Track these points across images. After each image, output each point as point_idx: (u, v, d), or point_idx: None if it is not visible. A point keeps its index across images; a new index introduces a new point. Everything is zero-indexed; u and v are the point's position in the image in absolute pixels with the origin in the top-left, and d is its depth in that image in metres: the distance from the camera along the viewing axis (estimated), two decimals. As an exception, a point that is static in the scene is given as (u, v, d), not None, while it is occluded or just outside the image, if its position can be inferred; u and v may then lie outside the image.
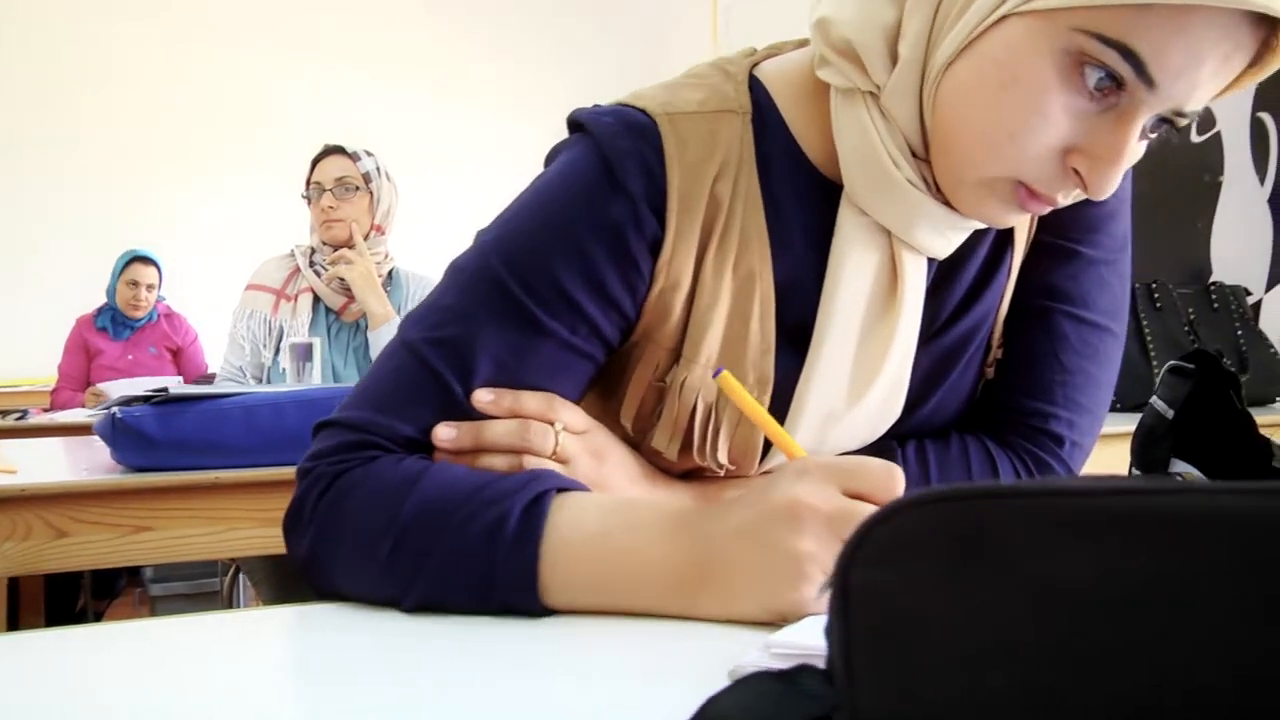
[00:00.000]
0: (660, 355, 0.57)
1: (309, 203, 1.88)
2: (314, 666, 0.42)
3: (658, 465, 0.60)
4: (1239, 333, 1.76)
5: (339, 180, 1.83)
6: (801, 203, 0.57)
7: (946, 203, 0.54)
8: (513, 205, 0.56)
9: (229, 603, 2.18)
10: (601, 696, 0.36)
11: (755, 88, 0.58)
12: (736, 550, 0.44)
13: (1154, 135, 0.49)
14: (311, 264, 1.85)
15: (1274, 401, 1.72)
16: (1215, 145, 2.06)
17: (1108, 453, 1.12)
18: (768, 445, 0.58)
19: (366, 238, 1.85)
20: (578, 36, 4.49)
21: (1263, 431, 0.59)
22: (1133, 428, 0.62)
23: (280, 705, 0.37)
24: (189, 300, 3.33)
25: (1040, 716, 0.20)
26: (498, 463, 0.53)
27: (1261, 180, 1.99)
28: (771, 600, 0.43)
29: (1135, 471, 0.62)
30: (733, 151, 0.55)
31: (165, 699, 0.36)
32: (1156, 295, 1.73)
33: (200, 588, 2.60)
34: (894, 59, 0.51)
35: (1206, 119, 2.07)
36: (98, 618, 2.51)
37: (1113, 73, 0.44)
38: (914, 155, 0.53)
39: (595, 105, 0.57)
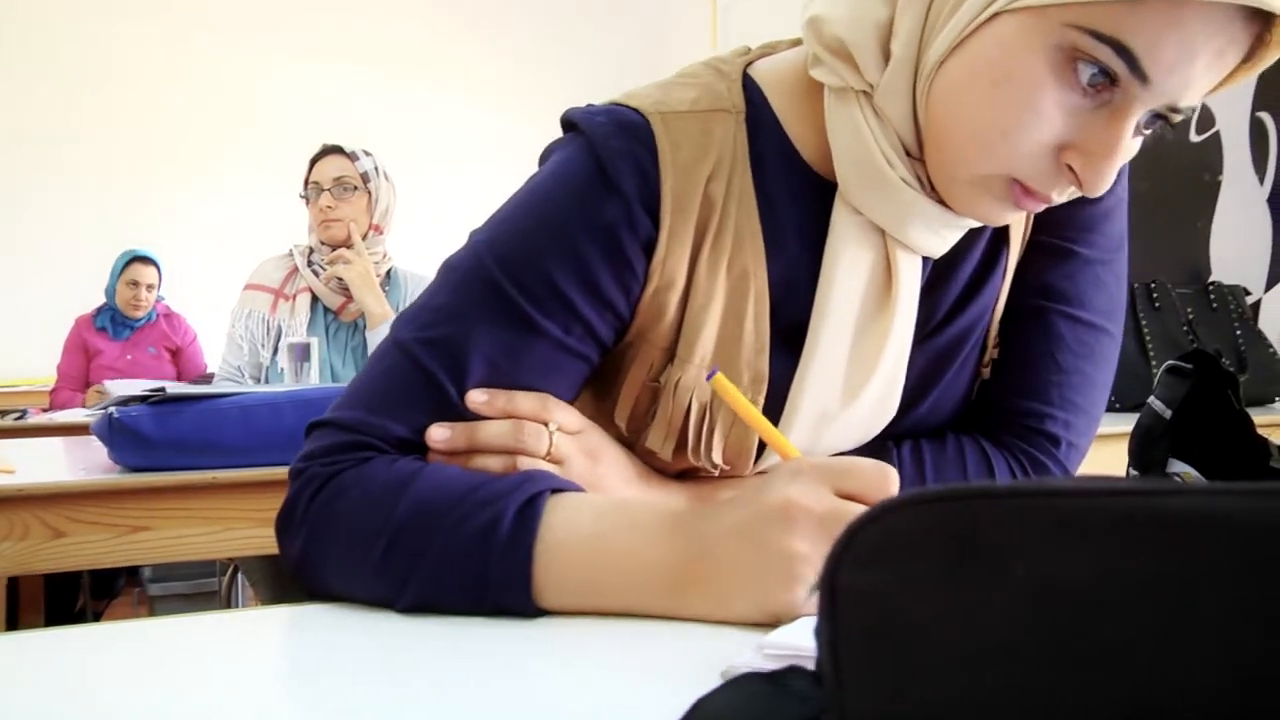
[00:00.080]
0: (654, 355, 0.56)
1: (307, 202, 1.88)
2: (311, 666, 0.42)
3: (652, 465, 0.60)
4: (1238, 333, 1.76)
5: (337, 180, 1.83)
6: (795, 202, 0.57)
7: (941, 201, 0.54)
8: (506, 205, 0.56)
9: (227, 602, 2.18)
10: (595, 697, 0.36)
11: (749, 87, 0.58)
12: (729, 551, 0.44)
13: (1148, 131, 0.49)
14: (310, 264, 1.85)
15: (1273, 401, 1.72)
16: (1214, 144, 2.06)
17: (1106, 453, 1.12)
18: (763, 445, 0.58)
19: (365, 237, 1.85)
20: (578, 36, 4.49)
21: (1261, 432, 0.59)
22: (1131, 428, 0.61)
23: (278, 705, 0.37)
24: (188, 300, 3.33)
25: (1035, 718, 0.20)
26: (492, 463, 0.53)
27: (1261, 180, 1.99)
28: (764, 601, 0.43)
29: (1133, 472, 0.62)
30: (726, 151, 0.55)
31: (163, 699, 0.36)
32: (1155, 295, 1.73)
33: (199, 588, 2.60)
34: (887, 57, 0.51)
35: (1206, 118, 2.07)
36: (97, 617, 2.52)
37: (1106, 68, 0.44)
38: (908, 154, 0.53)
39: (589, 105, 0.57)
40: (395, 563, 0.47)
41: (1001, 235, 0.62)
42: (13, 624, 1.51)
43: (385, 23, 4.27)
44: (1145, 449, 0.61)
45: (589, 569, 0.46)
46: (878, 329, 0.56)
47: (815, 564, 0.42)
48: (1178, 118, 0.47)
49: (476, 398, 0.53)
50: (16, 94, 3.70)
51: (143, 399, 1.10)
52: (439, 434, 0.52)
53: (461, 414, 0.53)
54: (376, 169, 1.87)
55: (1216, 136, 2.06)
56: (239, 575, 2.14)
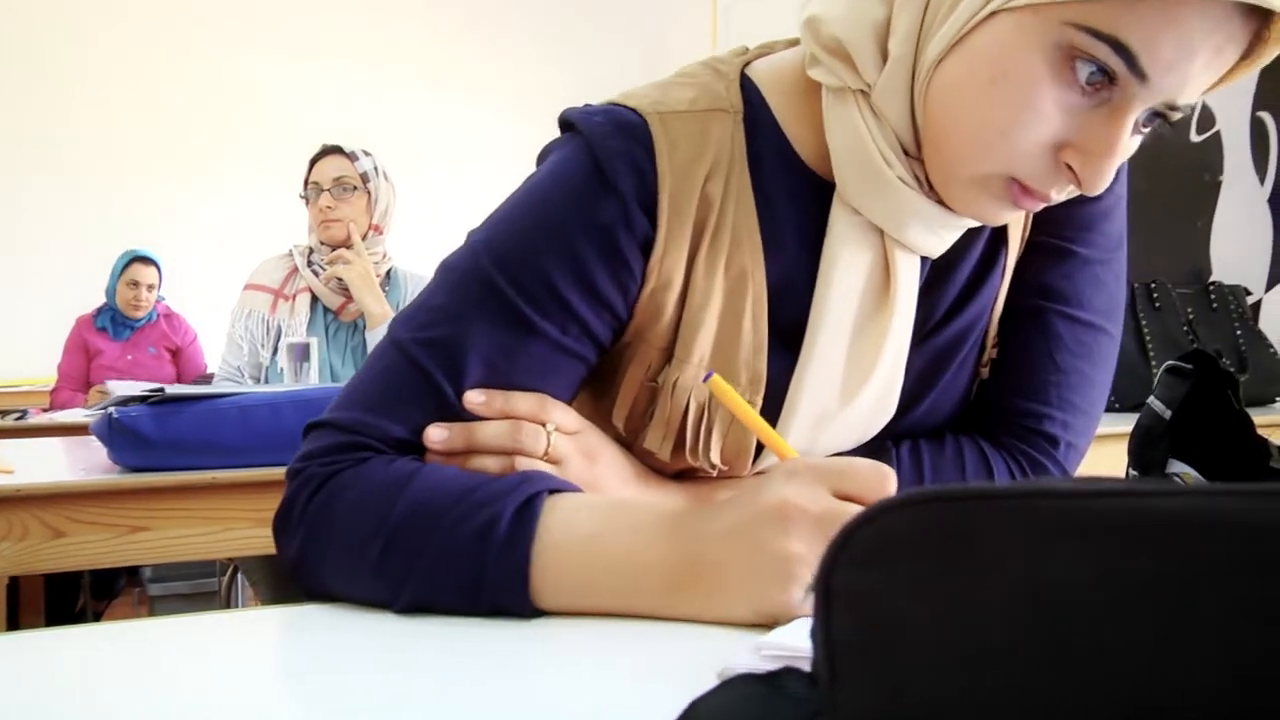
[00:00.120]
0: (652, 355, 0.56)
1: (307, 203, 1.88)
2: (311, 666, 0.42)
3: (650, 466, 0.59)
4: (1238, 333, 1.75)
5: (337, 180, 1.83)
6: (793, 202, 0.57)
7: (940, 201, 0.54)
8: (504, 205, 0.56)
9: (227, 602, 2.18)
10: (593, 697, 0.36)
11: (747, 87, 0.58)
12: (726, 552, 0.44)
13: (1147, 130, 0.49)
14: (309, 264, 1.85)
15: (1273, 402, 1.71)
16: (1215, 144, 2.06)
17: (1106, 453, 1.12)
18: (760, 446, 0.58)
19: (364, 237, 1.85)
20: (578, 36, 4.49)
21: (1262, 432, 0.59)
22: (1131, 428, 0.61)
23: (278, 705, 0.37)
24: (188, 300, 3.33)
25: (1034, 719, 0.20)
26: (489, 464, 0.53)
27: (1261, 180, 1.98)
28: (761, 601, 0.43)
29: (1133, 472, 0.62)
30: (724, 150, 0.55)
31: (163, 698, 0.36)
32: (1156, 295, 1.72)
33: (199, 588, 2.60)
34: (884, 57, 0.51)
35: (1206, 118, 2.07)
36: (97, 617, 2.52)
37: (1104, 67, 0.44)
38: (906, 153, 0.53)
39: (586, 105, 0.57)
40: (392, 563, 0.47)
41: (1000, 235, 0.62)
42: (13, 624, 1.51)
43: (385, 23, 4.27)
44: (1145, 449, 0.61)
45: (586, 569, 0.46)
46: (876, 329, 0.56)
47: (811, 565, 0.42)
48: (1176, 115, 0.47)
49: (474, 398, 0.53)
50: (16, 94, 3.71)
51: (142, 399, 1.11)
52: (436, 434, 0.52)
53: (459, 414, 0.53)
54: (376, 169, 1.87)
55: (1217, 136, 2.05)
56: (239, 575, 2.13)
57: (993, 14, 0.46)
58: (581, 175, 0.53)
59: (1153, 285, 1.73)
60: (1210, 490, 0.20)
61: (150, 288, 3.05)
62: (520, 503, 0.47)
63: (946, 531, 0.22)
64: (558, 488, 0.49)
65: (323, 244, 1.85)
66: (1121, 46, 0.43)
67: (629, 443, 0.59)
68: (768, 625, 0.41)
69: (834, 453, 0.59)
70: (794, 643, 0.36)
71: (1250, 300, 1.90)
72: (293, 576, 0.51)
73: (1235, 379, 0.59)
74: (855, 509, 0.42)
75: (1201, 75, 0.45)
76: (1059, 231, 0.61)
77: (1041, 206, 0.51)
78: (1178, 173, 2.10)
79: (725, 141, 0.55)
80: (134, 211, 3.79)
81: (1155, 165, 2.09)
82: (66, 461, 1.32)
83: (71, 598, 2.35)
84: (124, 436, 1.09)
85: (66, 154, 3.76)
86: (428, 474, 0.49)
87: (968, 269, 0.61)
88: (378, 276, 1.83)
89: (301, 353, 1.58)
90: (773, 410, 0.57)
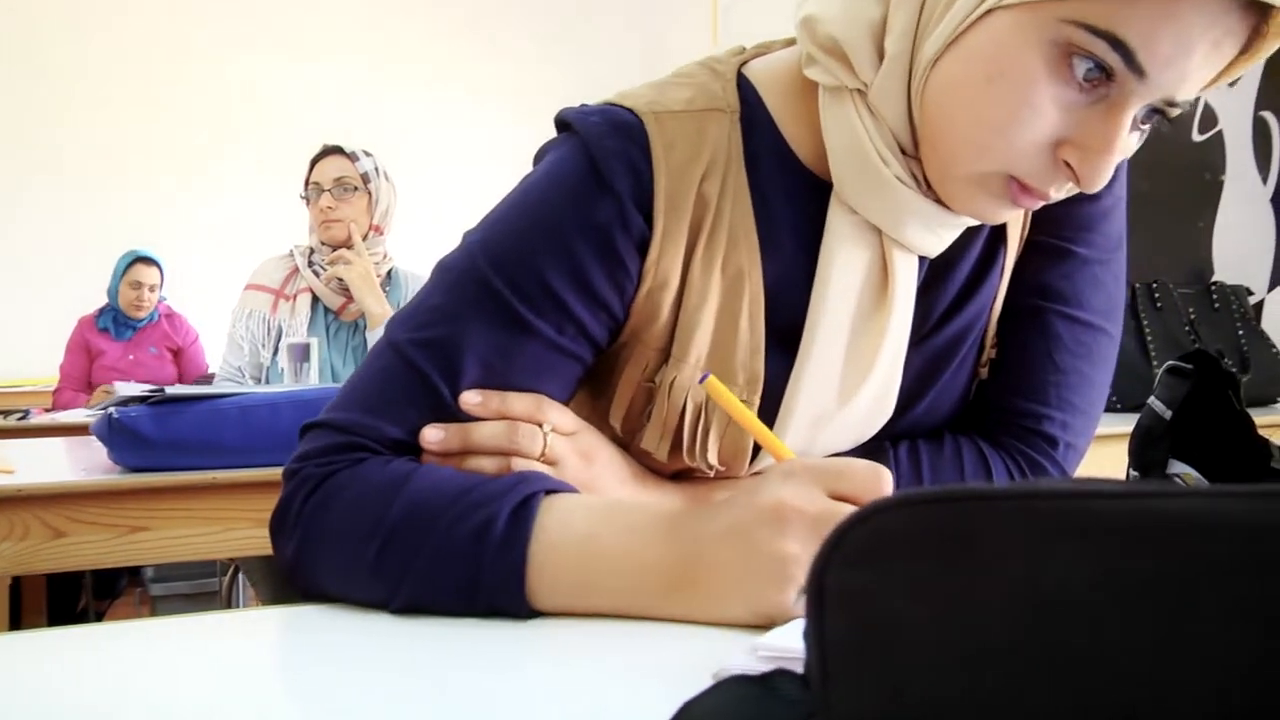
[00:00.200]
0: (649, 355, 0.56)
1: (308, 203, 1.88)
2: (311, 666, 0.42)
3: (648, 466, 0.59)
4: (1240, 333, 1.75)
5: (337, 180, 1.83)
6: (790, 201, 0.56)
7: (938, 200, 0.53)
8: (500, 205, 0.56)
9: (228, 602, 2.19)
10: (590, 697, 0.36)
11: (743, 86, 0.57)
12: (722, 552, 0.44)
13: (1146, 126, 0.48)
14: (310, 264, 1.85)
15: (1276, 402, 1.71)
16: (1217, 144, 2.05)
17: (1106, 453, 1.11)
18: (759, 446, 0.57)
19: (365, 238, 1.85)
20: (578, 36, 4.49)
21: (1265, 432, 0.59)
22: (1132, 428, 0.61)
23: (278, 705, 0.37)
24: (189, 300, 3.33)
25: (1028, 721, 0.20)
26: (486, 465, 0.53)
27: (1264, 179, 1.98)
28: (756, 602, 0.42)
29: (1133, 473, 0.61)
30: (720, 150, 0.55)
31: (164, 698, 0.36)
32: (1157, 295, 1.72)
33: (200, 588, 2.60)
34: (881, 56, 0.51)
35: (1208, 117, 2.06)
36: (99, 617, 2.52)
37: (1101, 63, 0.44)
38: (903, 152, 0.53)
39: (582, 105, 0.57)
40: (389, 564, 0.47)
41: (999, 234, 0.61)
42: (15, 624, 1.51)
43: (385, 23, 4.27)
44: (1145, 449, 0.60)
45: (583, 570, 0.46)
46: (874, 329, 0.56)
47: (807, 565, 0.42)
48: (1175, 112, 0.47)
49: (470, 399, 0.52)
50: (16, 94, 3.71)
51: (142, 399, 1.11)
52: (433, 435, 0.52)
53: (456, 415, 0.53)
54: (377, 169, 1.87)
55: (1219, 136, 2.05)
56: (240, 575, 2.14)
57: (989, 11, 0.46)
58: (577, 175, 0.53)
59: (1154, 285, 1.73)
60: (1210, 491, 0.20)
61: (152, 288, 3.06)
62: (517, 503, 0.47)
63: (941, 532, 0.22)
64: (554, 488, 0.49)
65: (323, 244, 1.85)
66: (1119, 42, 0.43)
67: (626, 443, 0.59)
68: (764, 626, 0.41)
69: (832, 453, 0.59)
70: (790, 644, 0.35)
71: (1252, 300, 1.89)
72: (290, 577, 0.51)
73: (1236, 379, 0.59)
74: (851, 509, 0.42)
75: (1200, 71, 0.44)
76: (1058, 231, 0.61)
77: (1040, 205, 0.51)
78: (1179, 172, 2.10)
79: (722, 141, 0.55)
80: (134, 211, 3.80)
81: (1157, 165, 2.08)
82: (67, 461, 1.32)
83: (73, 598, 2.35)
84: (124, 437, 1.10)
85: (66, 154, 3.76)
86: (424, 475, 0.49)
87: (966, 268, 0.61)
88: (378, 277, 1.83)
89: (302, 353, 1.58)
90: (770, 410, 0.57)
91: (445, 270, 0.55)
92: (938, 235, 0.55)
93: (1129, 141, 0.48)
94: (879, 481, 0.44)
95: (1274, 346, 1.75)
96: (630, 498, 0.57)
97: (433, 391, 0.52)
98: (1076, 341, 0.61)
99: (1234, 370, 0.59)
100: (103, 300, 3.08)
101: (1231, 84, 1.97)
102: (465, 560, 0.46)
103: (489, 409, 0.53)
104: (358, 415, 0.52)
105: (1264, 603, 0.19)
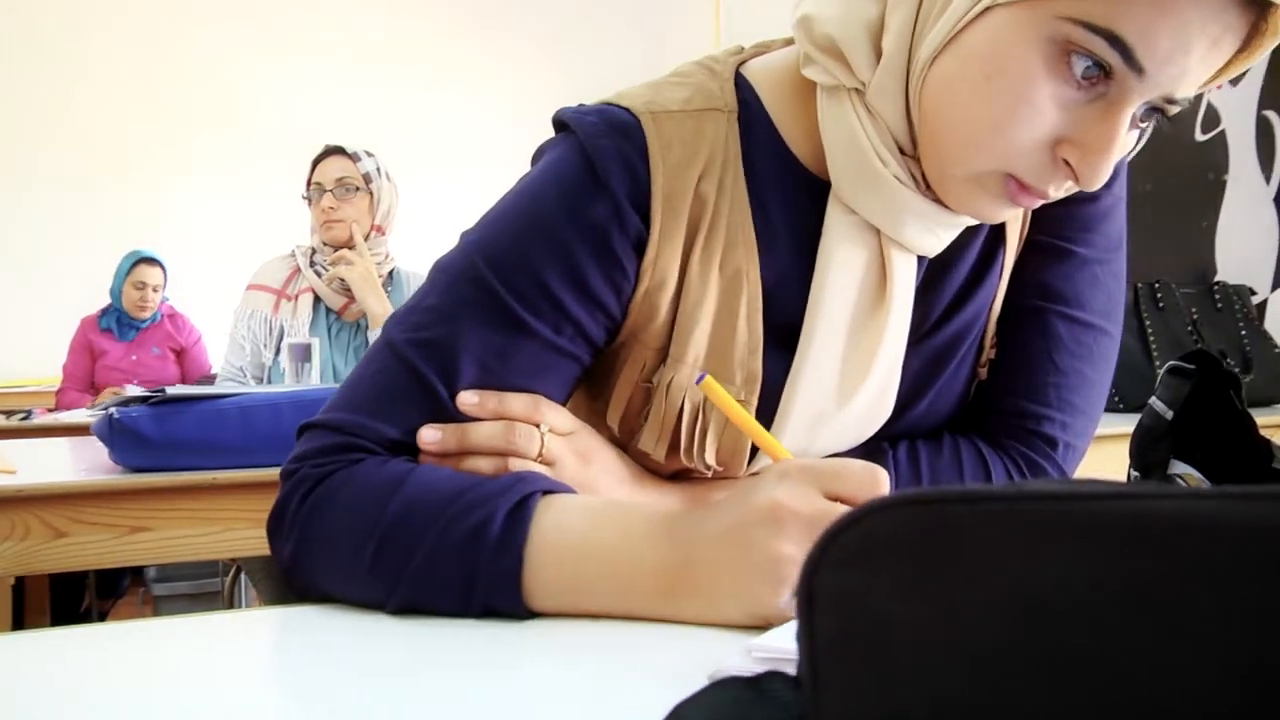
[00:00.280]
0: (647, 355, 0.56)
1: (309, 203, 1.88)
2: (311, 666, 0.42)
3: (645, 467, 0.59)
4: (1243, 333, 1.74)
5: (339, 181, 1.83)
6: (788, 201, 0.56)
7: (936, 199, 0.53)
8: (497, 205, 0.56)
9: (230, 602, 2.19)
10: (586, 698, 0.36)
11: (741, 86, 0.57)
12: (717, 553, 0.44)
13: (1145, 124, 0.48)
14: (312, 264, 1.85)
15: (1278, 402, 1.70)
16: (1220, 143, 2.05)
17: (1107, 453, 1.11)
18: (757, 446, 0.57)
19: (367, 238, 1.85)
20: (578, 36, 4.49)
21: (1265, 433, 0.58)
22: (1133, 428, 0.61)
23: (279, 704, 0.37)
24: (191, 300, 3.34)
25: (1021, 723, 0.19)
26: (483, 465, 0.52)
27: (1267, 179, 1.97)
28: (752, 603, 0.42)
29: (1134, 473, 0.61)
30: (718, 150, 0.55)
31: (167, 698, 0.36)
32: (1160, 295, 1.72)
33: (203, 587, 2.61)
34: (878, 55, 0.51)
35: (1211, 117, 2.06)
36: (102, 617, 2.53)
37: (1100, 61, 0.44)
38: (902, 151, 0.53)
39: (580, 104, 0.57)
40: (385, 564, 0.47)
41: (998, 234, 0.61)
42: (19, 623, 1.52)
43: (386, 23, 4.28)
44: (1146, 450, 0.60)
45: (579, 571, 0.46)
46: (872, 329, 0.56)
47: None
48: (1174, 110, 0.47)
49: (467, 399, 0.52)
50: (16, 94, 3.72)
51: (143, 399, 1.11)
52: (430, 436, 0.52)
53: (453, 415, 0.53)
54: (378, 170, 1.87)
55: (1222, 135, 2.04)
56: (242, 575, 2.14)
57: (986, 10, 0.46)
58: (574, 175, 0.53)
59: (1157, 285, 1.72)
60: (1210, 493, 0.20)
61: (156, 289, 3.07)
62: (513, 504, 0.47)
63: (935, 533, 0.21)
64: (551, 489, 0.49)
65: (325, 244, 1.85)
66: (1117, 40, 0.43)
67: (624, 444, 0.59)
68: (760, 627, 0.41)
69: (831, 454, 0.59)
70: (785, 645, 0.35)
71: (1255, 300, 1.89)
72: (287, 578, 0.51)
73: (1237, 379, 0.58)
74: (847, 510, 0.42)
75: (1199, 68, 0.44)
76: (1058, 231, 0.61)
77: (1039, 203, 0.51)
78: (1182, 172, 2.09)
79: (719, 141, 0.55)
80: (136, 211, 3.81)
81: (1160, 164, 2.08)
82: (68, 462, 1.33)
83: (76, 598, 2.36)
84: (125, 437, 1.10)
85: (67, 154, 3.77)
86: (421, 475, 0.49)
87: (965, 268, 0.61)
88: (380, 277, 1.83)
89: (303, 353, 1.58)
90: (768, 411, 0.57)
91: (442, 271, 0.55)
92: (936, 235, 0.55)
93: (1128, 140, 0.48)
94: (875, 482, 0.44)
95: (1277, 347, 1.75)
96: (627, 498, 0.57)
97: (430, 392, 0.52)
98: (1076, 342, 0.61)
99: (1236, 370, 0.59)
100: (105, 300, 3.09)
101: (1234, 82, 1.97)
102: (461, 561, 0.46)
103: (486, 409, 0.53)
104: (355, 416, 0.52)
105: (1264, 604, 0.19)
